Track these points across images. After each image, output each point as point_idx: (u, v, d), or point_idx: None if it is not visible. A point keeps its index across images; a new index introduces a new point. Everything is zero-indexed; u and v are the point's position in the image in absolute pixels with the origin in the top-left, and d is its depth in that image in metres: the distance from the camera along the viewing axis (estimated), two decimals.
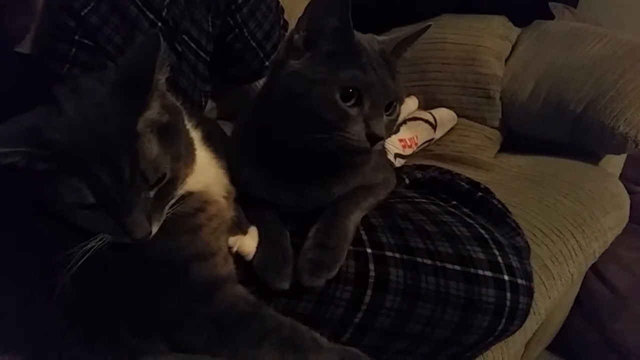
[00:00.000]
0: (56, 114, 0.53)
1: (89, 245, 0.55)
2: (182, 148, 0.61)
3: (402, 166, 1.16)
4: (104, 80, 0.57)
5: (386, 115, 0.67)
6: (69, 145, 0.52)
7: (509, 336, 0.76)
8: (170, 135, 0.58)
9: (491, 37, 1.44)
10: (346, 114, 0.64)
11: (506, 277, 0.72)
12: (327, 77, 0.64)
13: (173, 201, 0.61)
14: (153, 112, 0.57)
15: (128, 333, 0.60)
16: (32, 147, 0.51)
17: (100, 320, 0.60)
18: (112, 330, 0.60)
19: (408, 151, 1.28)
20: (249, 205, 0.75)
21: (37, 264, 0.57)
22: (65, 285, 0.56)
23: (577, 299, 1.46)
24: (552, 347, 1.53)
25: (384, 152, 0.88)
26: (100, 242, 0.56)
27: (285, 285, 0.67)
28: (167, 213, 0.60)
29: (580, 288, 1.44)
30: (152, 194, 0.57)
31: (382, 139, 0.65)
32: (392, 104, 0.68)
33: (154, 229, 0.57)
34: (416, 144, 1.30)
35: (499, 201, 0.88)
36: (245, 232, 0.71)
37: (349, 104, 0.64)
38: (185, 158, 0.61)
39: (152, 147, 0.55)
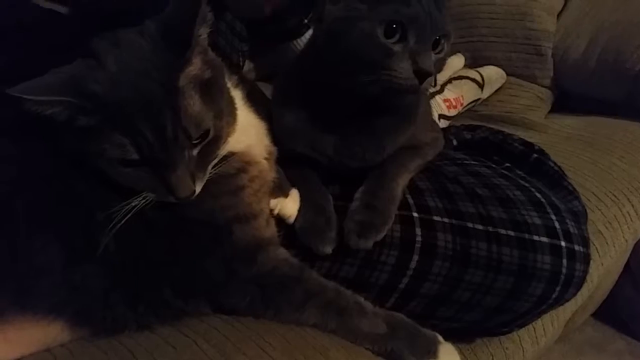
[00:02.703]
0: (97, 68, 0.52)
1: (131, 204, 0.54)
2: (224, 105, 0.59)
3: (449, 126, 1.12)
4: (144, 34, 0.55)
5: (433, 53, 0.62)
6: (111, 99, 0.50)
7: (562, 304, 0.73)
8: (212, 91, 0.56)
9: None
10: (390, 50, 0.59)
11: (563, 244, 0.68)
12: (368, 13, 0.60)
13: (215, 161, 0.59)
14: (194, 68, 0.55)
15: (172, 294, 0.60)
16: (75, 97, 0.50)
17: (144, 281, 0.59)
18: (156, 291, 0.60)
19: (453, 112, 1.23)
20: (290, 167, 0.73)
21: (79, 222, 0.57)
22: (108, 244, 0.56)
23: (627, 266, 1.41)
24: (597, 315, 1.49)
25: (429, 110, 0.84)
26: (144, 200, 0.55)
27: (329, 249, 0.66)
28: (210, 173, 0.59)
29: (631, 255, 1.38)
30: (195, 152, 0.55)
31: (431, 75, 0.60)
32: (439, 41, 0.63)
33: (198, 188, 0.56)
34: (462, 104, 1.25)
35: (555, 163, 0.84)
36: (286, 195, 0.70)
37: (392, 40, 0.60)
38: (227, 116, 0.60)
39: (194, 104, 0.53)
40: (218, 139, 0.58)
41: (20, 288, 0.54)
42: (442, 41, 0.63)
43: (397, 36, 0.60)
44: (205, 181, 0.58)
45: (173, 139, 0.52)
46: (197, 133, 0.54)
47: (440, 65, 0.65)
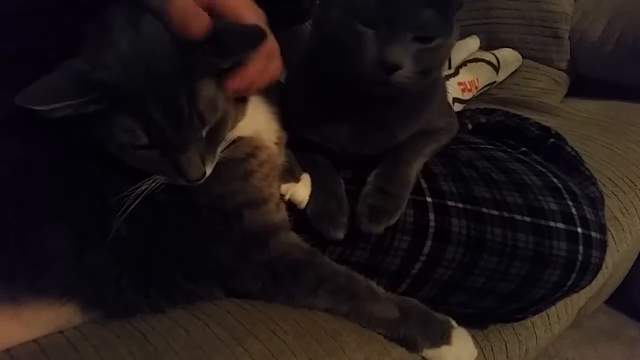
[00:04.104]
0: (107, 46, 0.50)
1: (142, 188, 0.54)
2: None
3: (464, 110, 1.10)
4: None
5: (419, 43, 0.56)
6: (120, 83, 0.49)
7: (577, 292, 0.72)
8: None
9: None
10: (361, 36, 0.55)
11: (579, 230, 0.67)
12: None
13: (225, 144, 0.59)
14: None
15: (184, 279, 0.60)
16: (81, 97, 0.48)
17: (155, 265, 0.59)
18: (167, 276, 0.60)
19: (467, 95, 1.21)
20: (301, 151, 0.72)
21: (89, 207, 0.56)
22: (119, 229, 0.55)
23: None
24: (610, 301, 1.48)
25: (444, 93, 0.83)
26: (154, 184, 0.55)
27: (340, 234, 0.65)
28: (219, 157, 0.58)
29: None
30: (204, 133, 0.54)
31: (398, 68, 0.55)
32: None
33: (208, 170, 0.55)
34: (476, 87, 1.23)
35: (572, 148, 0.82)
36: (297, 180, 0.69)
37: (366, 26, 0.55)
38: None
39: (209, 89, 0.52)
40: (226, 119, 0.57)
41: (33, 273, 0.54)
42: None
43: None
44: (215, 163, 0.57)
45: (188, 123, 0.51)
46: (212, 118, 0.53)
47: (432, 58, 0.59)
